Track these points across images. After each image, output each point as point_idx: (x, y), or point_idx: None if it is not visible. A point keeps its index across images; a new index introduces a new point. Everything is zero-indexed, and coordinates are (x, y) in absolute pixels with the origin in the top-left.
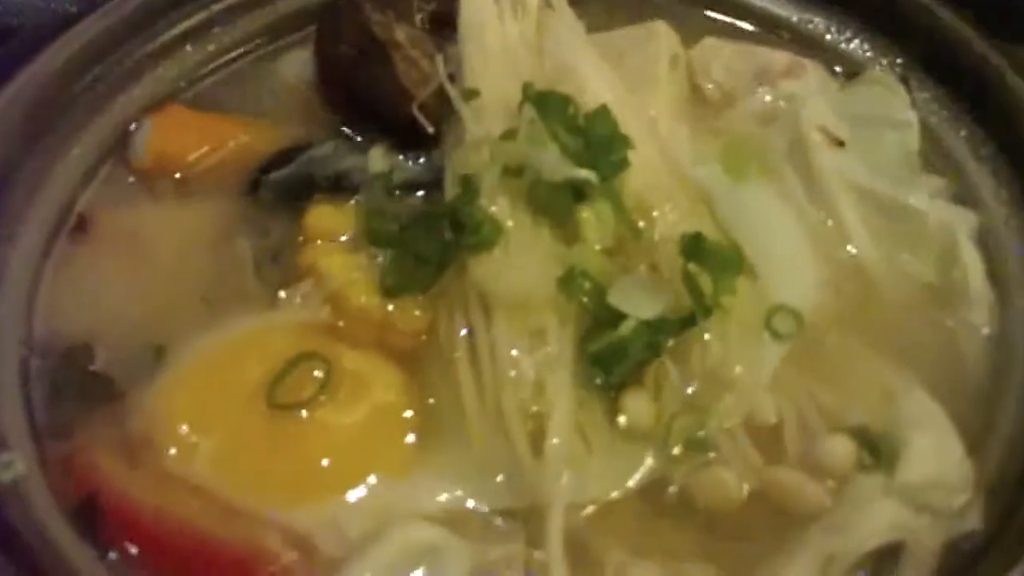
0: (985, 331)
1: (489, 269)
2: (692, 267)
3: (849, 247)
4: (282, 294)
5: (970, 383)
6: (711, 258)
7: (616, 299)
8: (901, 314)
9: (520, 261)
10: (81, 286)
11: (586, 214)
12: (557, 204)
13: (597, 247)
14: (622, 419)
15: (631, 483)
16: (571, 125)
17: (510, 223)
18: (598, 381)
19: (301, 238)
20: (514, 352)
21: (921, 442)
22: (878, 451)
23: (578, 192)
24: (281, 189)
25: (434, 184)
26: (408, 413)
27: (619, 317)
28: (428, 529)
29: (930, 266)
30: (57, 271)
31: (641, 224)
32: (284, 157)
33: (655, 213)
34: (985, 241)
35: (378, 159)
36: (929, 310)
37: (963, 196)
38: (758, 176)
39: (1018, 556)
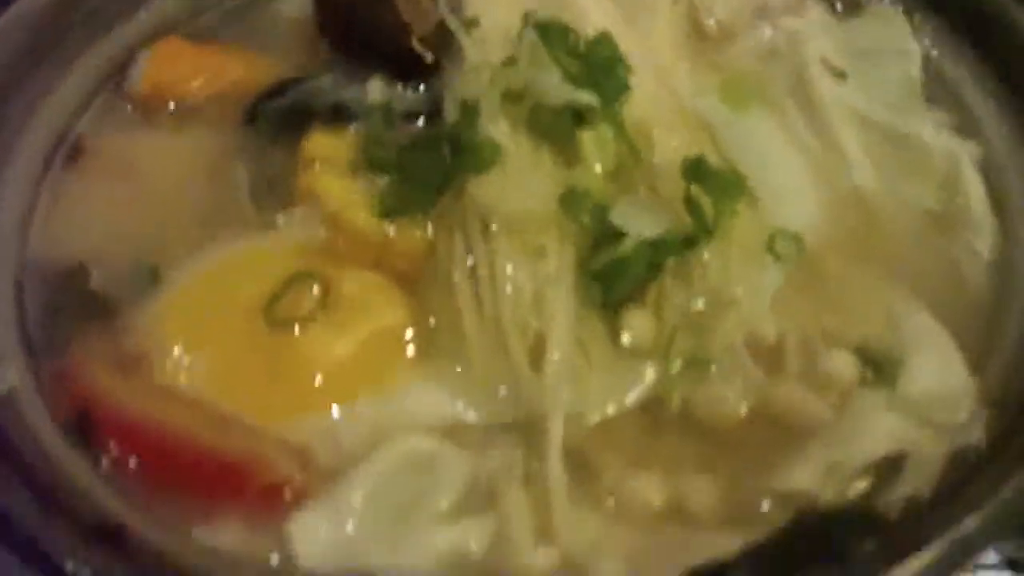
0: (987, 256)
1: (489, 189)
2: (694, 189)
3: (851, 176)
4: (280, 218)
5: (973, 306)
6: (713, 180)
7: (618, 217)
8: (904, 240)
9: (520, 181)
10: (76, 211)
11: (587, 137)
12: (558, 128)
13: (598, 169)
14: (623, 336)
15: (631, 398)
16: (572, 51)
17: (510, 147)
18: (599, 299)
19: (299, 165)
20: (514, 269)
21: (924, 358)
22: (880, 367)
23: (579, 117)
24: (279, 118)
25: (434, 114)
26: (407, 331)
27: (620, 236)
28: (426, 439)
29: (932, 193)
30: (52, 196)
31: (642, 149)
32: (282, 88)
33: (656, 139)
34: (987, 172)
35: (377, 90)
36: (931, 236)
37: (965, 129)
38: (759, 109)
39: (1019, 467)
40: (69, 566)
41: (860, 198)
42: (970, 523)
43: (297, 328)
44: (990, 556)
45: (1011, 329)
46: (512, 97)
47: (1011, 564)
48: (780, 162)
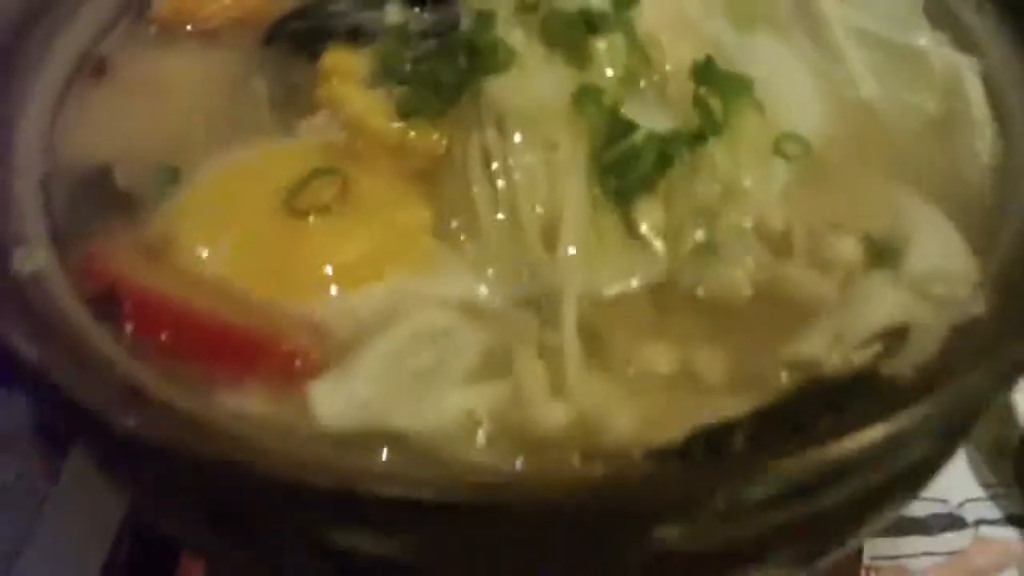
0: (987, 158)
1: (504, 84)
2: (703, 91)
3: (855, 88)
4: (300, 124)
5: (974, 203)
6: (721, 82)
7: (630, 111)
8: (907, 144)
9: (535, 81)
10: (100, 122)
11: (600, 44)
12: (571, 35)
13: (609, 74)
14: (634, 224)
15: (642, 279)
16: None
17: (525, 53)
18: (611, 188)
19: (318, 79)
20: (528, 160)
21: (925, 242)
22: (883, 252)
23: (591, 25)
24: (297, 39)
25: (450, 32)
26: (423, 224)
27: (632, 129)
28: (442, 313)
29: (934, 101)
30: (76, 109)
31: (652, 57)
32: (300, 12)
33: (666, 48)
34: (986, 85)
35: (394, 12)
36: (934, 140)
37: (965, 48)
38: (765, 30)
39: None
40: (109, 419)
41: (864, 107)
42: (969, 380)
43: (317, 218)
44: (993, 512)
45: (1010, 224)
46: (526, 7)
47: (1014, 520)
48: (786, 76)
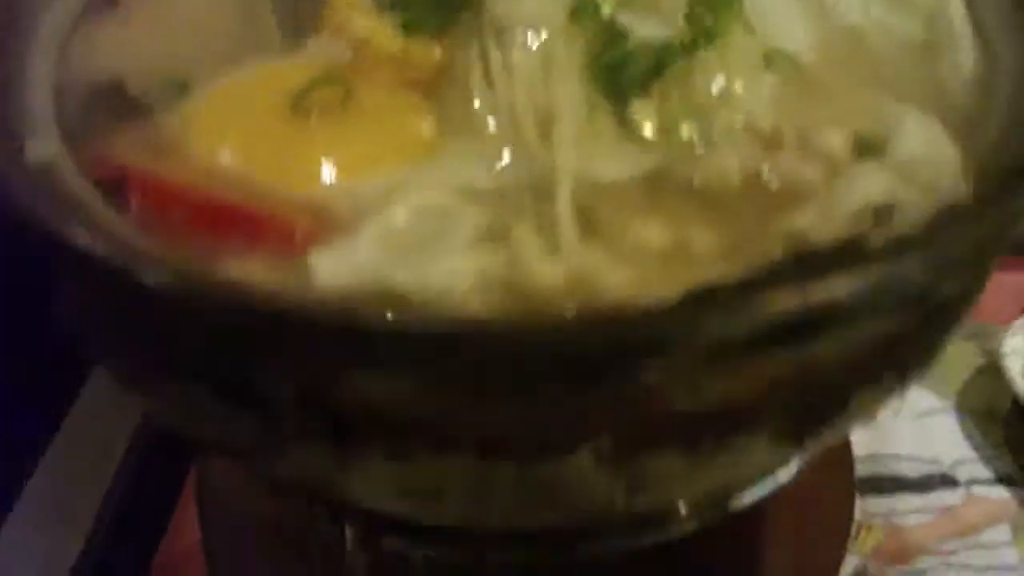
0: (968, 71)
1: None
2: (696, 7)
3: (842, 16)
4: (307, 43)
5: (956, 110)
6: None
7: (625, 20)
8: (892, 61)
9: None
10: (112, 46)
11: None
12: None
13: None
14: (628, 121)
15: (635, 169)
16: None
17: None
18: (606, 88)
19: (326, 6)
20: (525, 63)
21: (910, 132)
22: (870, 143)
23: None
24: None
25: None
26: (425, 124)
27: (627, 37)
28: (441, 194)
29: (919, 25)
30: (89, 34)
31: None
32: None
33: None
34: (968, 9)
35: None
36: (918, 57)
37: None
38: None
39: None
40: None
41: (852, 31)
42: (948, 241)
43: (321, 119)
44: (985, 472)
45: (990, 128)
46: None
47: (1005, 480)
48: (775, 4)
